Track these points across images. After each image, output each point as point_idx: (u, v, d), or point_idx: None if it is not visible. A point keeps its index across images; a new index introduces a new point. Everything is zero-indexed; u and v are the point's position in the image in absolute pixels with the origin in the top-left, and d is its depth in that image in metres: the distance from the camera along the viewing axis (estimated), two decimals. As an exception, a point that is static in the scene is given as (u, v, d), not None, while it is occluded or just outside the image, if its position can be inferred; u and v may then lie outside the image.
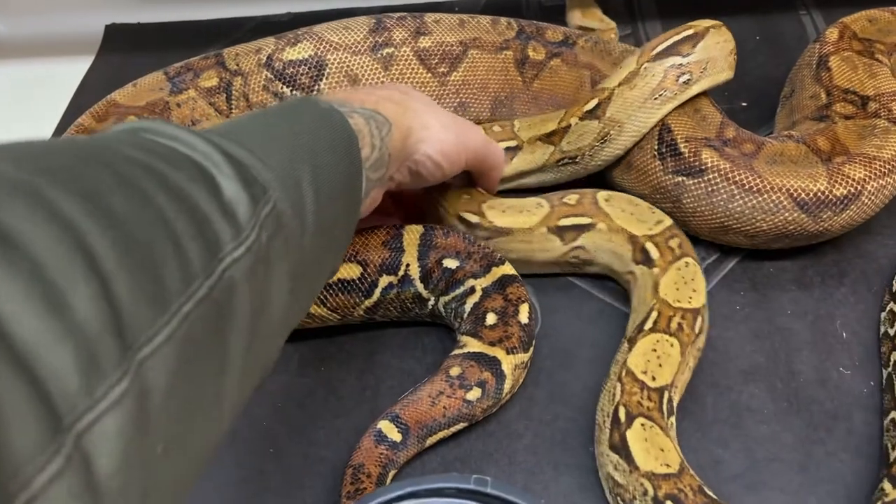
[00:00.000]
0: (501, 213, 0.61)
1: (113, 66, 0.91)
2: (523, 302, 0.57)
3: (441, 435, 0.54)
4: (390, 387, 0.58)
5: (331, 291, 0.58)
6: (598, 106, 0.62)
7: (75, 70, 0.90)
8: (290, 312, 0.38)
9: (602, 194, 0.62)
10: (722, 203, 0.60)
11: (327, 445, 0.55)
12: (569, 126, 0.64)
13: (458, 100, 0.72)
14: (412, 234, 0.60)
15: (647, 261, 0.58)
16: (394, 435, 0.52)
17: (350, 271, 0.58)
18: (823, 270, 0.63)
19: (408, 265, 0.59)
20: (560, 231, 0.60)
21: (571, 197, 0.62)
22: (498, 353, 0.55)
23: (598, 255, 0.61)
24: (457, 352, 0.56)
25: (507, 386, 0.54)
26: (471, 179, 0.63)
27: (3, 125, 0.79)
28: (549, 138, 0.64)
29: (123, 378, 0.24)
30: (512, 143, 0.65)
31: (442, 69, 0.71)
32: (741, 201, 0.59)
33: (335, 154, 0.42)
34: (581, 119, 0.63)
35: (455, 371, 0.54)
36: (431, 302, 0.59)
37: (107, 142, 0.31)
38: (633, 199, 0.62)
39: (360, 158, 0.45)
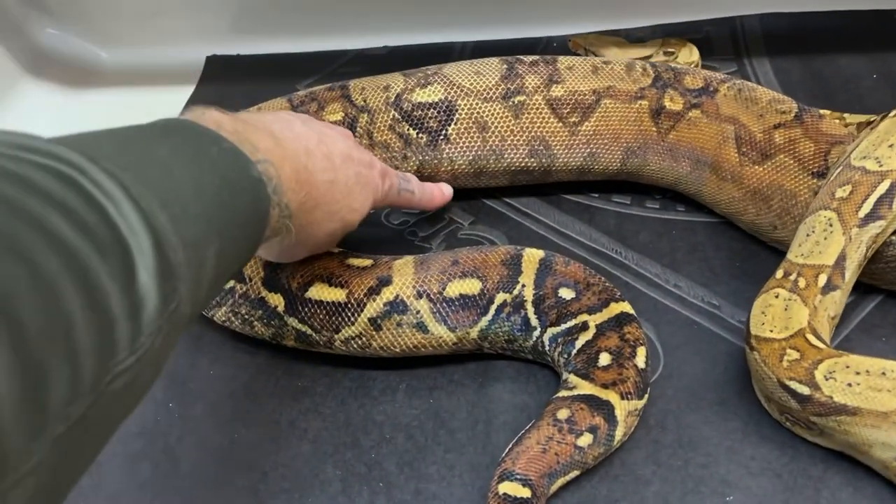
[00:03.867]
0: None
1: (213, 96, 0.92)
2: (641, 344, 0.53)
3: (560, 483, 0.50)
4: (504, 422, 0.55)
5: (452, 307, 0.56)
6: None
7: (177, 98, 0.92)
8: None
9: None
10: None
11: (439, 482, 0.52)
12: None
13: (587, 150, 0.68)
14: (532, 257, 0.57)
15: None
16: (522, 492, 0.47)
17: (471, 286, 0.56)
18: (971, 316, 0.58)
19: (523, 286, 0.56)
20: None
21: None
22: (611, 396, 0.51)
23: None
24: (564, 393, 0.52)
25: (619, 433, 0.50)
26: None
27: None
28: None
29: None
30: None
31: (573, 119, 0.67)
32: None
33: (244, 230, 0.40)
34: None
35: (563, 414, 0.50)
36: (538, 332, 0.56)
37: (26, 199, 0.27)
38: None
39: (261, 238, 0.43)
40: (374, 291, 0.56)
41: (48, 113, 0.93)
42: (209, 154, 0.38)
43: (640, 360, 0.53)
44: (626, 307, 0.55)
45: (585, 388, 0.51)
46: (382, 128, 0.68)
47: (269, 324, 0.58)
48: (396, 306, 0.55)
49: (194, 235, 0.34)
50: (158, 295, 0.30)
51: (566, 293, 0.56)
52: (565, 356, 0.55)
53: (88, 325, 0.27)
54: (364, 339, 0.56)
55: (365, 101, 0.68)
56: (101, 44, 0.99)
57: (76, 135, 0.34)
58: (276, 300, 0.57)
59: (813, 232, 0.54)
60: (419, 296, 0.56)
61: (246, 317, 0.58)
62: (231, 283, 0.58)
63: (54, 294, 0.26)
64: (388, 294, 0.55)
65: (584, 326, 0.55)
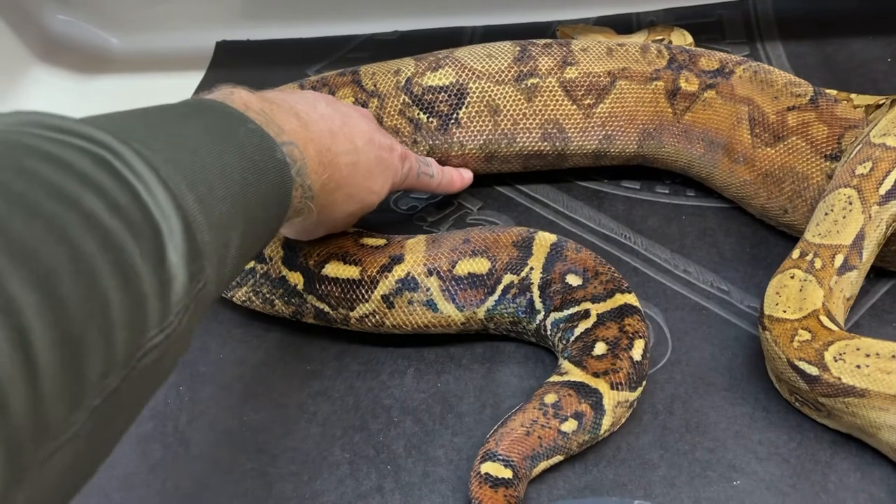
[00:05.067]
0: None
1: (223, 81, 0.91)
2: (640, 337, 0.53)
3: (543, 466, 0.50)
4: (511, 406, 0.54)
5: (460, 285, 0.56)
6: None
7: (186, 84, 0.92)
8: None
9: None
10: None
11: (447, 465, 0.52)
12: None
13: (603, 132, 0.68)
14: (543, 240, 0.57)
15: None
16: (503, 473, 0.48)
17: (480, 265, 0.56)
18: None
19: (531, 269, 0.56)
20: None
21: None
22: (601, 385, 0.50)
23: None
24: (555, 378, 0.52)
25: (605, 422, 0.50)
26: None
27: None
28: None
29: (29, 483, 0.24)
30: None
31: (588, 101, 0.67)
32: None
33: (267, 211, 0.40)
34: None
35: (550, 398, 0.50)
36: (541, 316, 0.56)
37: (64, 181, 0.28)
38: None
39: (284, 218, 0.43)
40: (386, 269, 0.56)
41: (59, 99, 0.93)
42: (236, 136, 0.38)
43: (637, 353, 0.52)
44: (630, 299, 0.55)
45: (576, 374, 0.51)
46: (392, 112, 0.68)
47: (289, 302, 0.58)
48: (408, 283, 0.56)
49: (220, 216, 0.35)
50: (186, 274, 0.31)
51: (573, 279, 0.56)
52: (564, 342, 0.55)
53: (122, 302, 0.28)
54: (378, 316, 0.57)
55: (375, 86, 0.68)
56: (111, 30, 1.00)
57: (106, 115, 0.34)
58: (296, 278, 0.57)
59: (831, 210, 0.53)
60: (429, 273, 0.56)
61: (267, 296, 0.59)
62: (251, 264, 0.59)
63: (92, 273, 0.27)
64: (399, 271, 0.56)
65: (585, 314, 0.54)
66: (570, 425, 0.49)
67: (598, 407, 0.50)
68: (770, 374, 0.54)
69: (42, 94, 0.93)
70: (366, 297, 0.56)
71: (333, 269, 0.56)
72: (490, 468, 0.48)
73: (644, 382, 0.52)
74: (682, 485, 0.49)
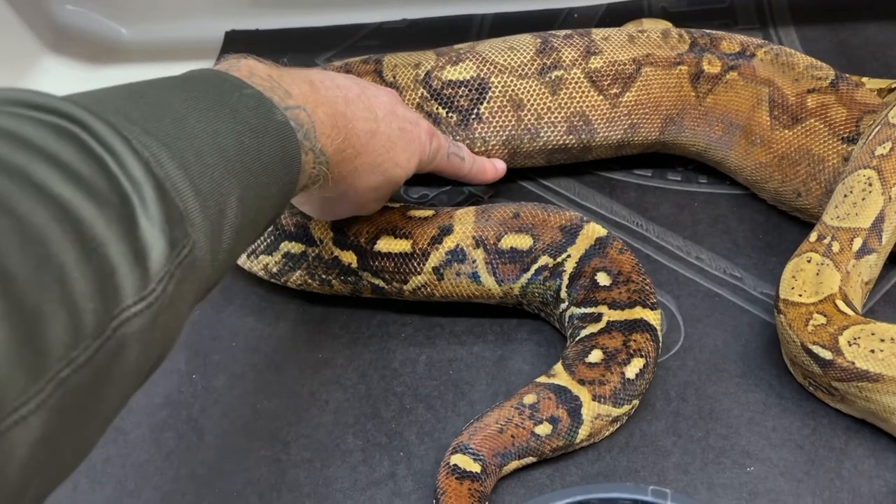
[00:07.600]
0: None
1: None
2: (640, 356, 0.51)
3: (514, 465, 0.50)
4: (524, 394, 0.55)
5: (502, 259, 0.56)
6: None
7: (196, 74, 0.92)
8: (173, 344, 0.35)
9: None
10: None
11: (459, 452, 0.52)
12: None
13: (628, 121, 0.67)
14: (590, 232, 0.57)
15: None
16: (472, 466, 0.48)
17: (523, 241, 0.56)
18: None
19: (568, 256, 0.56)
20: None
21: None
22: (582, 393, 0.50)
23: None
24: (542, 379, 0.52)
25: (582, 432, 0.49)
26: None
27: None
28: None
29: None
30: None
31: (614, 90, 0.65)
32: None
33: (271, 176, 0.39)
34: None
35: (529, 399, 0.50)
36: (563, 306, 0.56)
37: (14, 154, 0.28)
38: None
39: (295, 184, 0.42)
40: (436, 241, 0.56)
41: (69, 89, 0.92)
42: (228, 101, 0.38)
43: (631, 371, 0.51)
44: (650, 316, 0.53)
45: (562, 378, 0.51)
46: (410, 105, 0.67)
47: (346, 281, 0.59)
48: (456, 255, 0.56)
49: (211, 182, 0.34)
50: (166, 241, 0.31)
51: (602, 279, 0.55)
52: (570, 340, 0.55)
53: (83, 272, 0.27)
54: (429, 288, 0.58)
55: (394, 78, 0.67)
56: (120, 20, 0.99)
57: (90, 91, 0.35)
58: (349, 257, 0.58)
59: (851, 192, 0.53)
60: (477, 244, 0.56)
61: (324, 277, 0.59)
62: (301, 248, 0.59)
63: (42, 244, 0.27)
64: (449, 242, 0.56)
65: (597, 318, 0.54)
66: (544, 429, 0.49)
67: (575, 415, 0.49)
68: (784, 358, 0.54)
69: (51, 85, 0.93)
70: (418, 269, 0.57)
71: (385, 244, 0.57)
72: (459, 460, 0.48)
73: (635, 402, 0.51)
74: (696, 471, 0.49)
